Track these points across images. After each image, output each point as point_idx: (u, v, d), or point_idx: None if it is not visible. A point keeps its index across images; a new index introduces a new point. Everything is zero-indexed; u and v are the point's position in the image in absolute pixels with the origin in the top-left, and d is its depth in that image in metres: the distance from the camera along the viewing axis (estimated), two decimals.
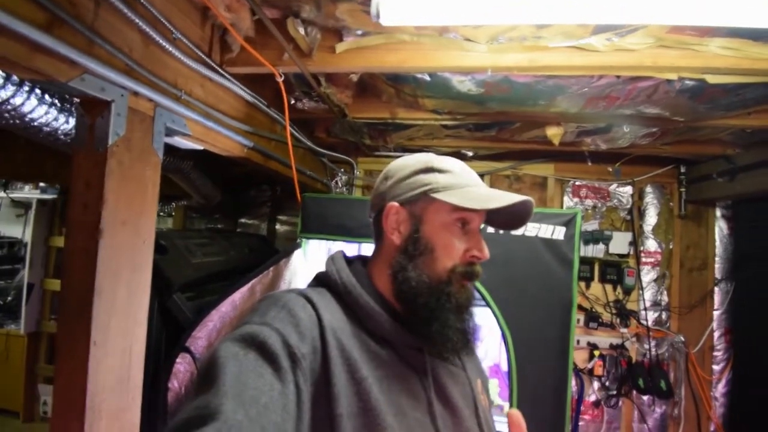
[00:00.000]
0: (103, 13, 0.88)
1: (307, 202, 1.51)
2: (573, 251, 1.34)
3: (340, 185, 2.51)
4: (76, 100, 0.92)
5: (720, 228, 2.02)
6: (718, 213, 2.03)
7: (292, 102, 1.61)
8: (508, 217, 0.75)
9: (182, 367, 1.27)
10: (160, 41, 0.99)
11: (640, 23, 1.03)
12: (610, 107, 1.36)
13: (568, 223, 1.33)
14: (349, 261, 0.78)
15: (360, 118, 1.69)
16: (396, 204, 0.73)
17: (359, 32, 1.18)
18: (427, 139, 1.98)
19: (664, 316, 2.08)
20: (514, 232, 1.34)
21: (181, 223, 2.96)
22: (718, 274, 2.00)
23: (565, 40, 1.12)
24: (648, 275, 2.10)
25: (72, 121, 1.26)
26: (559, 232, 1.33)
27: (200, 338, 1.32)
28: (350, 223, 1.42)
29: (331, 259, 0.78)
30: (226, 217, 2.99)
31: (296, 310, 0.63)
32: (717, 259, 2.02)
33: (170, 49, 1.02)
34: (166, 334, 1.34)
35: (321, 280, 0.76)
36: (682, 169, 2.05)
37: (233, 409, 0.44)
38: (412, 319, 0.69)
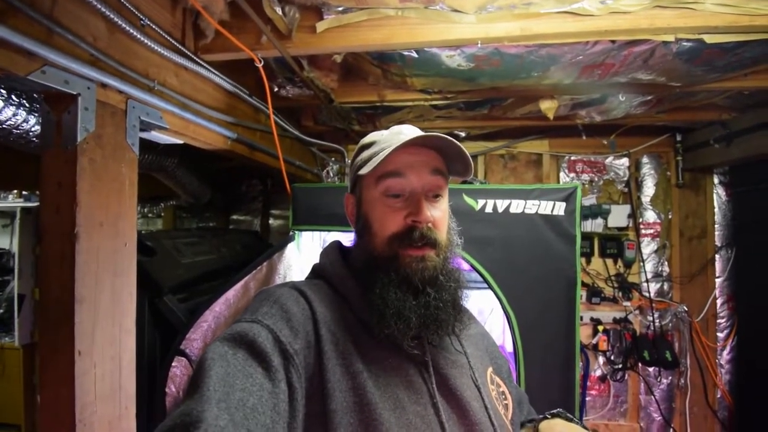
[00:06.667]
0: (61, 0, 0.81)
1: (297, 192, 1.45)
2: (574, 226, 1.30)
3: (331, 175, 2.45)
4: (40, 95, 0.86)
5: (718, 195, 2.00)
6: (716, 180, 2.00)
7: (276, 89, 1.55)
8: (451, 161, 0.68)
9: (178, 370, 1.23)
10: (127, 28, 0.92)
11: None
12: (605, 76, 1.31)
13: (568, 197, 1.29)
14: (346, 250, 0.76)
15: (347, 102, 1.63)
16: (347, 194, 0.76)
17: (340, 9, 1.12)
18: (417, 122, 1.93)
19: (666, 286, 2.07)
20: (513, 211, 1.29)
21: (172, 224, 2.90)
22: (718, 242, 1.99)
23: (557, 5, 1.06)
24: (648, 247, 2.08)
25: None
26: (559, 208, 1.29)
27: (195, 340, 1.28)
28: (343, 212, 1.36)
29: (325, 251, 0.76)
30: (217, 215, 2.92)
31: (289, 304, 0.60)
32: (716, 226, 2.00)
33: (139, 36, 0.96)
34: (160, 338, 1.30)
35: (317, 272, 0.74)
36: (678, 138, 2.01)
37: (216, 415, 0.42)
38: (368, 302, 0.63)
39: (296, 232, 1.47)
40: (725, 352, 1.92)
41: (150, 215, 2.88)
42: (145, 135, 1.06)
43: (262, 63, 1.20)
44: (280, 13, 1.12)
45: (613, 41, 1.16)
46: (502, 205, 1.31)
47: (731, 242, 1.95)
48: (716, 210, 2.00)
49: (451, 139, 0.64)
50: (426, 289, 0.62)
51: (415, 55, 1.25)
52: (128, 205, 0.96)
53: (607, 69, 1.28)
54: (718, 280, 1.97)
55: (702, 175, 2.03)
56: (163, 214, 2.87)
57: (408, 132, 0.69)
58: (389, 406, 0.56)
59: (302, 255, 1.50)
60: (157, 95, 1.02)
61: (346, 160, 2.37)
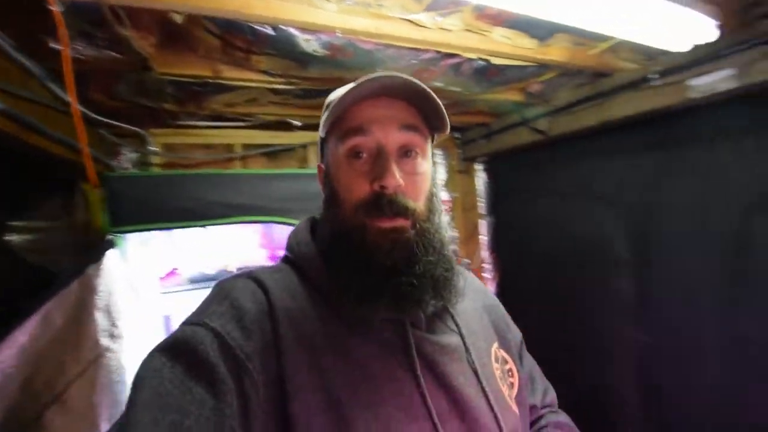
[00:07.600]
0: None
1: (116, 184, 1.11)
2: None
3: (125, 165, 1.95)
4: None
5: (481, 178, 2.74)
6: (479, 167, 2.73)
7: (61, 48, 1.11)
8: (426, 114, 0.61)
9: None
10: None
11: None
12: (429, 80, 1.58)
13: None
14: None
15: (170, 74, 1.34)
16: (318, 164, 0.70)
17: None
18: (248, 106, 1.77)
19: (457, 246, 2.70)
20: None
21: None
22: (482, 211, 2.73)
23: (402, 12, 1.21)
24: (446, 218, 2.64)
25: None
26: None
27: None
28: (190, 204, 1.14)
29: (294, 230, 0.66)
30: None
31: (242, 300, 0.54)
32: (480, 200, 2.74)
33: None
34: None
35: (285, 256, 0.66)
36: (458, 135, 2.64)
37: None
38: (331, 279, 0.57)
39: (118, 235, 1.14)
40: (492, 288, 2.70)
41: None
42: None
43: (63, 9, 0.86)
44: None
45: (438, 52, 1.41)
46: None
47: (491, 211, 2.72)
48: (480, 189, 2.74)
49: (412, 80, 0.56)
50: (397, 265, 0.56)
51: (271, 32, 1.16)
52: None
53: (430, 75, 1.55)
54: (483, 238, 2.72)
55: (472, 164, 2.72)
56: None
57: (363, 85, 0.56)
58: (365, 402, 0.52)
59: (131, 263, 1.17)
60: None
61: (148, 146, 1.94)
